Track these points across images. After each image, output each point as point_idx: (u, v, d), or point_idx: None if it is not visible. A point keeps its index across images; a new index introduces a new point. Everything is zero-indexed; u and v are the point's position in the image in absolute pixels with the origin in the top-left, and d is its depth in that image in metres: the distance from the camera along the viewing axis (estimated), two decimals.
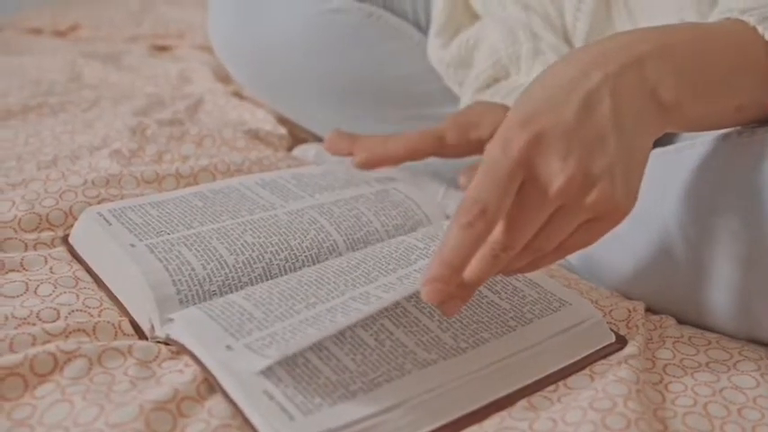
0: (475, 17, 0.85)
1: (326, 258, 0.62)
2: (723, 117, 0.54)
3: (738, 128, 0.56)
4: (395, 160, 0.71)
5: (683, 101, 0.50)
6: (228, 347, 0.49)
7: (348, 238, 0.64)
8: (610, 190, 0.46)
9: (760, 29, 0.52)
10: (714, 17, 0.56)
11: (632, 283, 0.63)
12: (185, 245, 0.58)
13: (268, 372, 0.47)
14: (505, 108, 0.73)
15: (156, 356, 0.51)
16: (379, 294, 0.53)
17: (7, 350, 0.49)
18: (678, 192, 0.58)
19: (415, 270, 0.57)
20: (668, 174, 0.59)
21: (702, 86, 0.51)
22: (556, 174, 0.45)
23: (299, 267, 0.60)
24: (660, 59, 0.49)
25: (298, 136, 1.00)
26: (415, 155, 0.71)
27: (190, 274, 0.56)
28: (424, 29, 0.91)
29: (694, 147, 0.58)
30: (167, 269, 0.56)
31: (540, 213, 0.46)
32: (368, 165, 0.71)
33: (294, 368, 0.48)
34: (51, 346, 0.49)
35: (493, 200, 0.44)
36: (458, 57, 0.82)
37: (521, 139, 0.46)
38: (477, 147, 0.72)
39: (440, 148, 0.72)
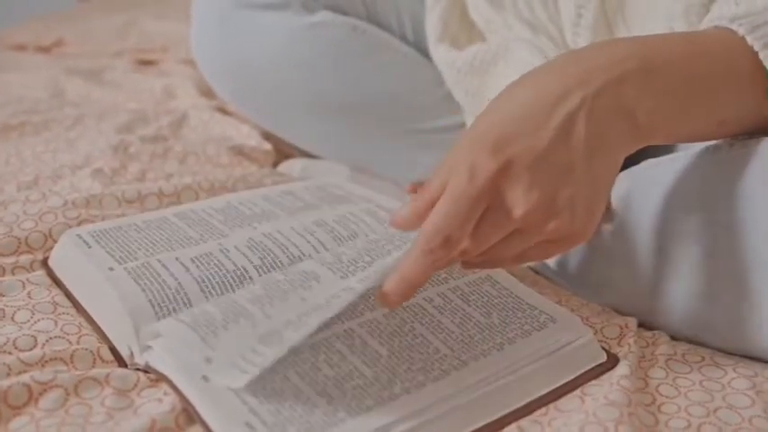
0: (472, 33, 0.84)
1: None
2: (704, 132, 0.54)
3: (729, 140, 0.55)
4: None
5: (661, 122, 0.50)
6: (208, 360, 0.47)
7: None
8: (569, 221, 0.48)
9: (749, 39, 0.51)
10: (705, 25, 0.55)
11: (624, 298, 0.62)
12: (165, 268, 0.57)
13: (249, 404, 0.46)
14: None
15: (135, 385, 0.50)
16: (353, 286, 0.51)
17: None
18: (671, 204, 0.57)
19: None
20: (662, 186, 0.58)
21: (685, 106, 0.51)
22: (519, 201, 0.47)
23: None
24: (645, 79, 0.49)
25: (283, 151, 0.98)
26: None
27: (170, 299, 0.54)
28: (410, 41, 0.90)
29: (687, 158, 0.57)
30: (146, 294, 0.54)
31: (499, 232, 0.48)
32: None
33: (277, 398, 0.47)
34: (26, 377, 0.48)
35: (456, 230, 0.46)
36: (470, 64, 0.80)
37: (490, 167, 0.46)
38: None
39: None
